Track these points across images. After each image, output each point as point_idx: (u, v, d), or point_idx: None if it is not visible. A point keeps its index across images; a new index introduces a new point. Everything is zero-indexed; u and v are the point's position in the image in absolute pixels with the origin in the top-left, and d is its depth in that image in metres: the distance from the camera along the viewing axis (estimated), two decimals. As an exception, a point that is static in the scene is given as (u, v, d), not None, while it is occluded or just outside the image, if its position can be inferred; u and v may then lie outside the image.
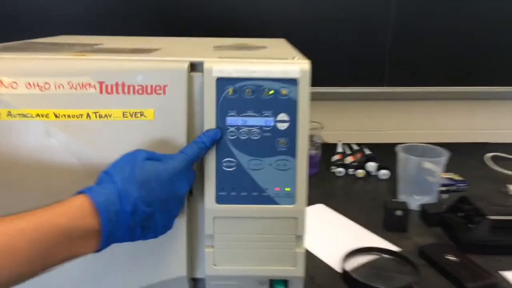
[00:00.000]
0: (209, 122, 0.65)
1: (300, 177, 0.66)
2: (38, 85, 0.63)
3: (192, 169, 0.64)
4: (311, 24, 1.42)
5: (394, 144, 1.16)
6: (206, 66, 0.64)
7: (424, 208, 1.07)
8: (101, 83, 0.63)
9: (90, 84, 0.63)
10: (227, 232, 0.67)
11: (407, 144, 1.15)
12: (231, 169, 0.66)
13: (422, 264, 0.89)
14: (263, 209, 0.66)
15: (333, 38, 1.44)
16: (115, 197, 0.54)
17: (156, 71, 0.64)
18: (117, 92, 0.64)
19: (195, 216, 0.69)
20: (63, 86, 0.63)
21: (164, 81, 0.64)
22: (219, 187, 0.66)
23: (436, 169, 1.11)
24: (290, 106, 0.65)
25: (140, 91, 0.64)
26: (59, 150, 0.64)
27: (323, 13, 1.42)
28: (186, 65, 0.64)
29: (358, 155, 1.40)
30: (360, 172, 1.30)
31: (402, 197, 1.16)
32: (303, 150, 0.66)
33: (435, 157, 1.11)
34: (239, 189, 0.66)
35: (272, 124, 0.65)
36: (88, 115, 0.64)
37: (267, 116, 0.65)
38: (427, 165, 1.12)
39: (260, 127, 0.65)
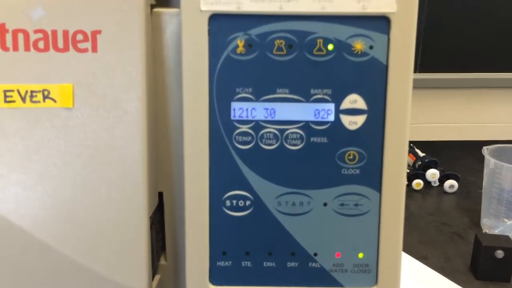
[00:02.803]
0: (195, 114, 0.30)
1: (390, 232, 0.31)
2: None
3: None
4: None
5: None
6: (186, -12, 0.29)
7: (528, 242, 0.71)
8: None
9: None
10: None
11: (496, 146, 0.80)
12: (241, 214, 0.31)
13: None
14: (308, 297, 0.32)
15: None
16: None
17: (74, 1, 0.29)
18: (-9, 48, 0.29)
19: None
20: None
21: (94, 23, 0.29)
22: (215, 250, 0.31)
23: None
24: (372, 79, 0.29)
25: (41, 46, 0.29)
26: None
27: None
28: (142, -12, 0.29)
29: (409, 158, 1.04)
30: (417, 183, 0.95)
31: (486, 222, 0.81)
32: (396, 176, 0.31)
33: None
34: (259, 253, 0.31)
35: (330, 117, 0.30)
36: None
37: (320, 100, 0.30)
38: (525, 176, 0.77)
39: (305, 125, 0.30)
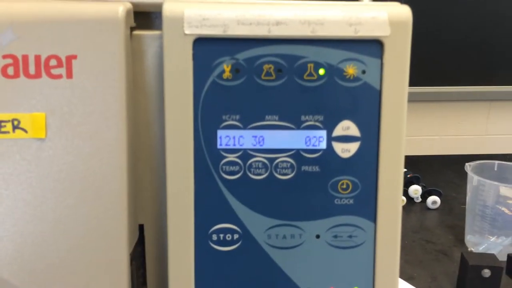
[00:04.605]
0: (179, 143, 0.28)
1: (385, 264, 0.30)
2: None
3: None
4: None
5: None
6: (168, 10, 0.27)
7: (513, 259, 0.71)
8: None
9: None
10: None
11: (478, 162, 0.80)
12: (229, 248, 0.29)
13: None
14: (302, 336, 0.30)
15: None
16: None
17: (46, 23, 0.27)
18: (-46, 74, 0.27)
19: None
20: None
21: (69, 47, 0.27)
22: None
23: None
24: (365, 104, 0.28)
25: (10, 72, 0.27)
26: None
27: None
28: (120, 10, 0.27)
29: (391, 174, 1.04)
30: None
31: (470, 239, 0.80)
32: (392, 205, 0.29)
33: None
34: (248, 290, 0.29)
35: (322, 145, 0.28)
36: None
37: (311, 127, 0.28)
38: (507, 191, 0.77)
39: (296, 153, 0.28)
